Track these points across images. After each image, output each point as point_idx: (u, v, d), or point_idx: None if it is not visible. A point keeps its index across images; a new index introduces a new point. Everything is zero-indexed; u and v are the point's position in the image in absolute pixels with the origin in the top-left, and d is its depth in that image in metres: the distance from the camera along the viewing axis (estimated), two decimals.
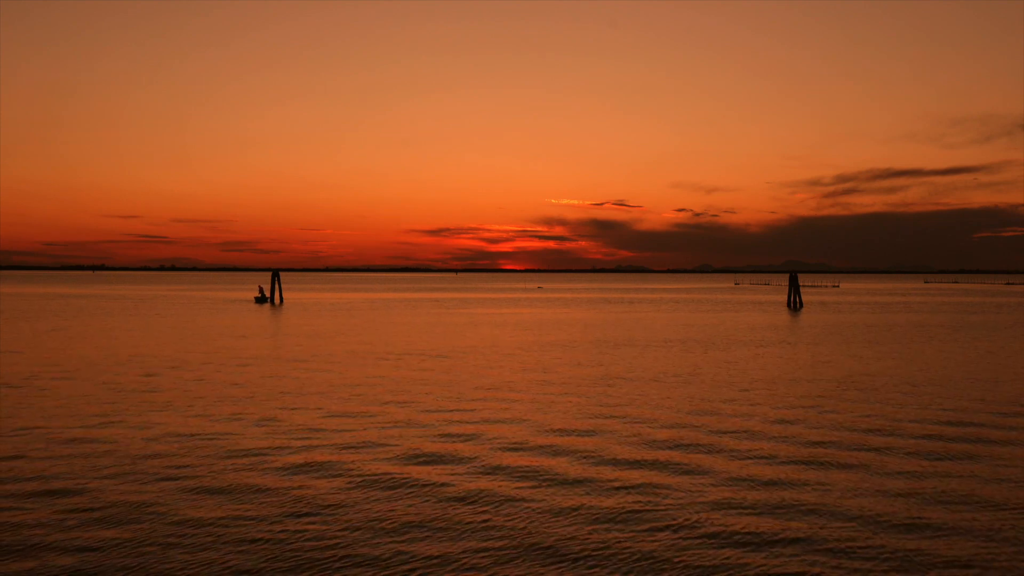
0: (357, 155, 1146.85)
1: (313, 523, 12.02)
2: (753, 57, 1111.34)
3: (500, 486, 14.00)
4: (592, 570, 10.36)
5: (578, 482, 14.25)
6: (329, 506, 12.83)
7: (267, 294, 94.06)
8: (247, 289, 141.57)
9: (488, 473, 14.84)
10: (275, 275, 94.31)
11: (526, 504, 12.98)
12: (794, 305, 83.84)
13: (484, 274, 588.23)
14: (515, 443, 17.33)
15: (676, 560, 10.70)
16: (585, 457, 16.07)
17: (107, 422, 19.35)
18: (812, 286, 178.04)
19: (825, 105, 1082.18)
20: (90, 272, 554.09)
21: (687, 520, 12.22)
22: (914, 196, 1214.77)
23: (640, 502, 13.08)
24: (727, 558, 10.78)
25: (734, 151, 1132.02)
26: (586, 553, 10.90)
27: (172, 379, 27.02)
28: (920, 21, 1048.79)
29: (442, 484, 14.07)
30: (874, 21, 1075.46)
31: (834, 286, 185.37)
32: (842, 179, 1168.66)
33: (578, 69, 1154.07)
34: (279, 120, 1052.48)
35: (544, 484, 14.11)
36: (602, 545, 11.19)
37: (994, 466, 15.56)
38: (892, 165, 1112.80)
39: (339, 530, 11.73)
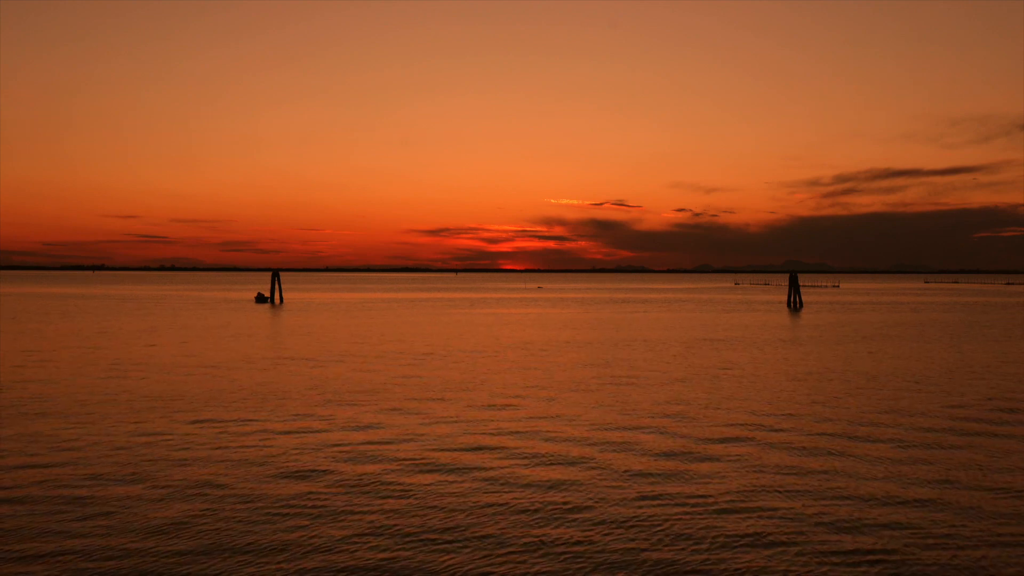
0: (357, 155, 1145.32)
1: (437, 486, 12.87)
2: (752, 57, 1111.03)
3: (612, 457, 15.05)
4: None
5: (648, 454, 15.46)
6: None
7: (266, 295, 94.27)
8: (248, 289, 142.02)
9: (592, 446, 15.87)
10: (275, 275, 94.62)
11: (607, 474, 14.16)
12: (794, 305, 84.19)
13: (484, 274, 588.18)
14: (603, 425, 18.82)
15: (710, 537, 11.51)
16: (664, 436, 17.17)
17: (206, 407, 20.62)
18: (812, 286, 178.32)
19: (824, 105, 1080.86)
20: (90, 272, 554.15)
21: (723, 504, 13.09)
22: (913, 196, 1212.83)
23: (680, 476, 14.33)
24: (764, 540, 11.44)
25: (733, 151, 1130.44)
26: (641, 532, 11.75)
27: (280, 374, 27.94)
28: (920, 21, 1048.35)
29: (493, 467, 15.61)
30: (873, 21, 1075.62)
31: (834, 286, 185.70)
32: (841, 179, 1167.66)
33: (578, 69, 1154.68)
34: (280, 120, 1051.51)
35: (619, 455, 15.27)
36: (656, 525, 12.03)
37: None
38: (891, 165, 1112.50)
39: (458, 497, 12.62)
